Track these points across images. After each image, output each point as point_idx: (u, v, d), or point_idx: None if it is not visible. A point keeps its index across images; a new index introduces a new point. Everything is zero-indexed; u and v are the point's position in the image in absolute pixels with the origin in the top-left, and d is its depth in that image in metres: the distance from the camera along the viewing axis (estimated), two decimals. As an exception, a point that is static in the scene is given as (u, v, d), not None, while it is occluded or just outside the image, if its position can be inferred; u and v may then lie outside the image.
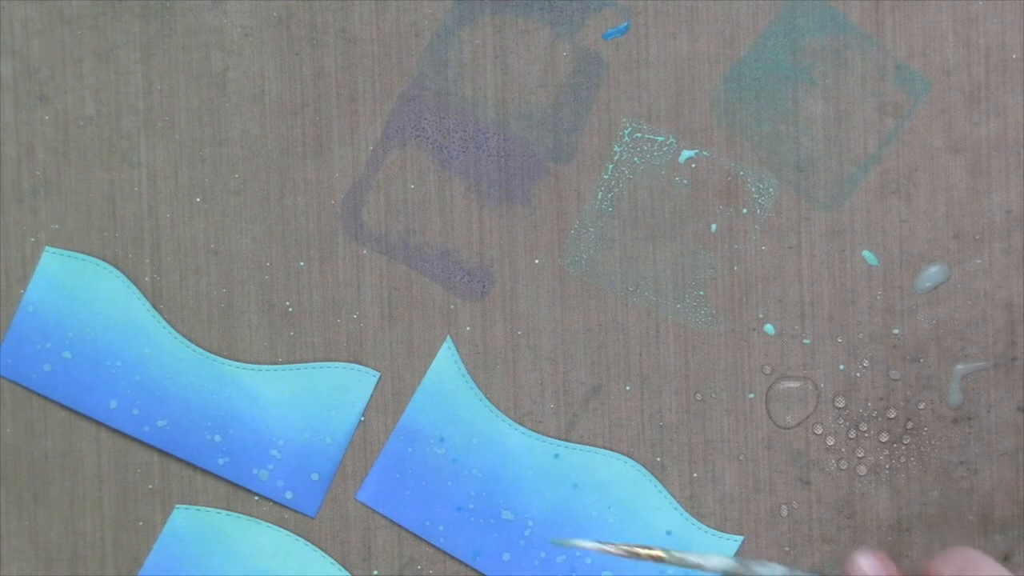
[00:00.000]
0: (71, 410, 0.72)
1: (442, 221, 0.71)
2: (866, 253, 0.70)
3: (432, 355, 0.71)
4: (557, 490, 0.71)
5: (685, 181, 0.70)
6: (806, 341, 0.71)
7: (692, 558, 0.55)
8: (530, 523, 0.71)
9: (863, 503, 0.71)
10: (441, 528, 0.71)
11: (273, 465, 0.71)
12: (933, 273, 0.70)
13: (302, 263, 0.71)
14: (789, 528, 0.71)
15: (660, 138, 0.70)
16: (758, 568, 0.55)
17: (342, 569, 0.71)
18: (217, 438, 0.71)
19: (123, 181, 0.71)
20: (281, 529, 0.71)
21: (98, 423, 0.72)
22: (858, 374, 0.71)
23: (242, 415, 0.71)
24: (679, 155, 0.70)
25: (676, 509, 0.71)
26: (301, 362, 0.71)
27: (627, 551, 0.55)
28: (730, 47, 0.70)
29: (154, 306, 0.71)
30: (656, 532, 0.71)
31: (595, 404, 0.71)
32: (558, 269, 0.71)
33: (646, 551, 0.55)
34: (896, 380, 0.71)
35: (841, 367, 0.71)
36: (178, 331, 0.71)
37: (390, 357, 0.71)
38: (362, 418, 0.71)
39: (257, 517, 0.71)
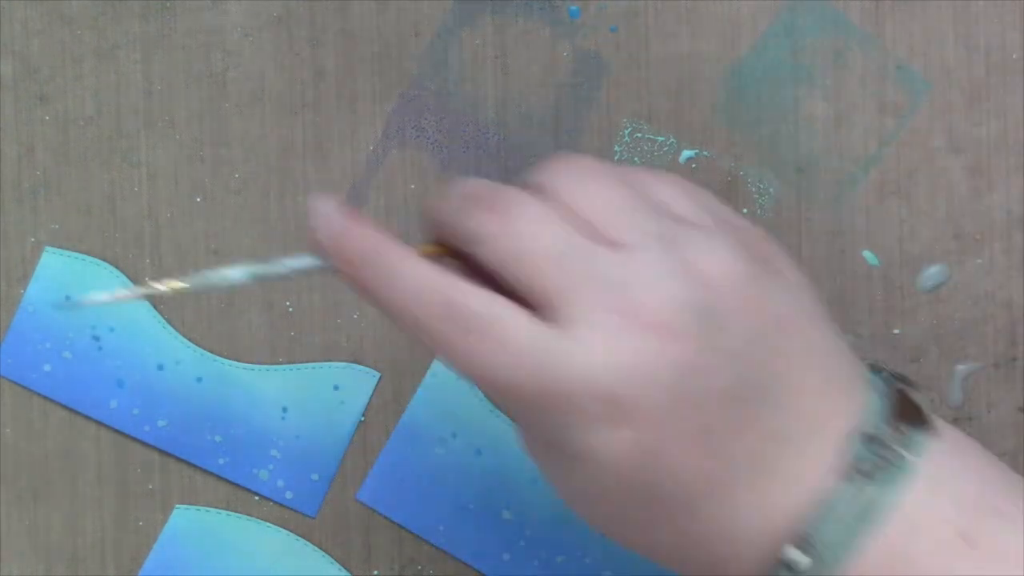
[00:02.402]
0: (71, 410, 0.72)
1: (442, 221, 0.71)
2: (866, 253, 0.70)
3: (432, 355, 0.71)
4: (557, 490, 0.71)
5: (685, 181, 0.70)
6: (806, 341, 0.70)
7: (214, 276, 0.53)
8: (530, 523, 0.71)
9: (863, 503, 0.71)
10: (441, 528, 0.71)
11: (273, 465, 0.71)
12: (933, 273, 0.70)
13: (302, 263, 0.71)
14: (789, 528, 0.71)
15: (660, 138, 0.70)
16: (287, 262, 0.53)
17: (342, 569, 0.71)
18: (217, 438, 0.71)
19: (123, 181, 0.71)
20: (281, 529, 0.71)
21: (98, 423, 0.71)
22: (858, 374, 0.70)
23: (242, 415, 0.71)
24: (679, 155, 0.70)
25: (676, 509, 0.70)
26: (301, 362, 0.71)
27: (144, 293, 0.53)
28: (730, 47, 0.70)
29: (154, 306, 0.71)
30: (656, 532, 0.70)
31: (595, 404, 0.71)
32: (558, 269, 0.71)
33: (167, 284, 0.53)
34: (896, 380, 0.71)
35: (841, 367, 0.70)
36: (178, 331, 0.71)
37: (390, 357, 0.71)
38: (362, 418, 0.71)
39: (257, 517, 0.71)
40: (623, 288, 0.49)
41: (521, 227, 0.50)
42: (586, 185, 0.51)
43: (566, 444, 0.50)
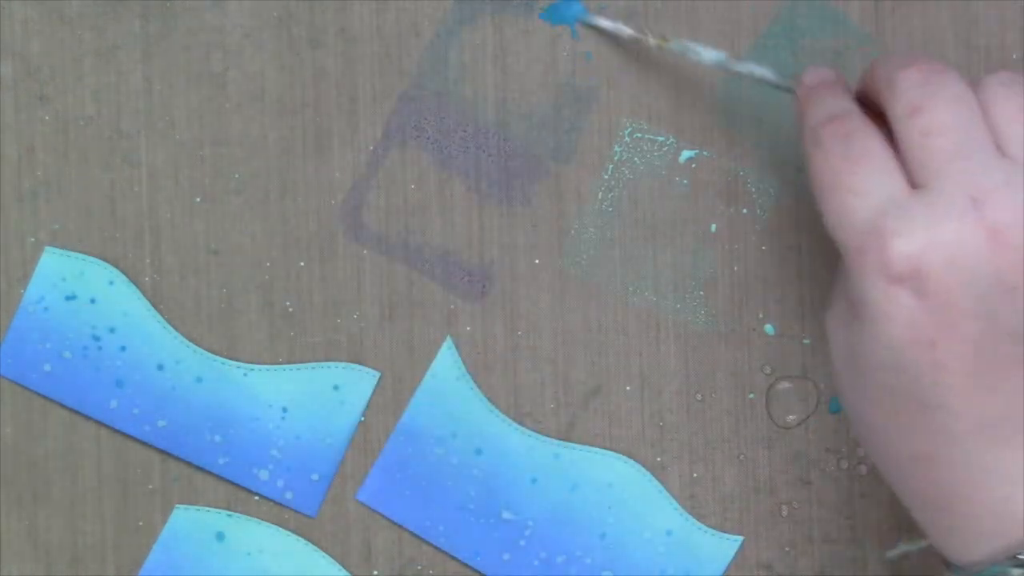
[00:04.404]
0: (71, 410, 0.72)
1: (442, 221, 0.71)
2: (866, 253, 0.70)
3: (432, 355, 0.71)
4: (557, 490, 0.71)
5: (685, 181, 0.70)
6: (806, 341, 0.71)
7: (692, 47, 0.65)
8: (530, 523, 0.71)
9: (863, 503, 0.71)
10: (441, 528, 0.71)
11: (273, 465, 0.71)
12: (933, 273, 0.70)
13: (302, 263, 0.71)
14: (789, 528, 0.71)
15: (660, 138, 0.70)
16: (754, 67, 0.64)
17: (342, 569, 0.71)
18: (217, 438, 0.71)
19: (123, 181, 0.71)
20: (281, 529, 0.71)
21: (98, 423, 0.72)
22: (858, 374, 0.71)
23: (242, 415, 0.71)
24: (679, 155, 0.70)
25: (676, 509, 0.71)
26: (301, 362, 0.71)
27: (629, 35, 0.68)
28: (730, 47, 0.70)
29: (154, 306, 0.71)
30: (656, 532, 0.71)
31: (595, 404, 0.71)
32: (558, 269, 0.71)
33: (655, 39, 0.66)
34: (896, 380, 0.70)
35: (841, 367, 0.71)
36: (178, 331, 0.71)
37: (390, 357, 0.71)
38: (362, 418, 0.71)
39: (257, 517, 0.72)
40: (991, 188, 0.51)
41: (940, 99, 0.53)
42: (1013, 96, 0.54)
43: (862, 295, 0.53)
